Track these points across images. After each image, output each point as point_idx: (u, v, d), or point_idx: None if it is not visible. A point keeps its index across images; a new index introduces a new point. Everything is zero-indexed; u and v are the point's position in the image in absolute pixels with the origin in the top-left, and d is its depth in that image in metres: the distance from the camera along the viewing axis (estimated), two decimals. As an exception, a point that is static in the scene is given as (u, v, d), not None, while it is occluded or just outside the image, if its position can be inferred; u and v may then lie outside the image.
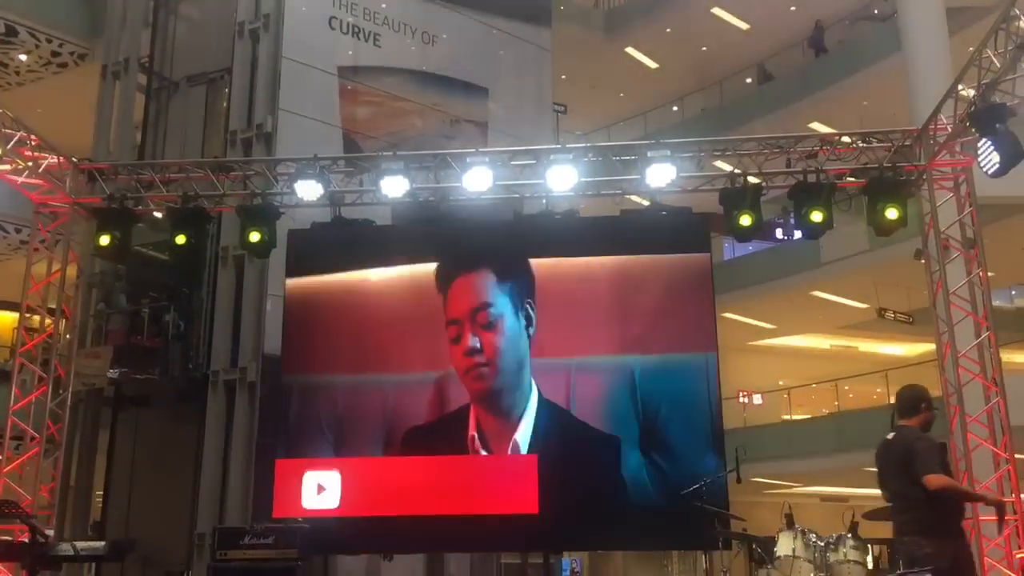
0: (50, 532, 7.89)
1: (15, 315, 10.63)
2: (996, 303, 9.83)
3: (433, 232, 9.73)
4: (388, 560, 9.70)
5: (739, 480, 8.42)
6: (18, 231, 18.77)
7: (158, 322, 12.36)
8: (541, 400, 9.19)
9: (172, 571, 11.99)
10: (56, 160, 9.30)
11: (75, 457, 11.80)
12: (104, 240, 9.23)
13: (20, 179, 9.25)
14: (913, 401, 6.18)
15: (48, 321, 9.68)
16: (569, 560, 16.22)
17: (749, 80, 22.40)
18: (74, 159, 9.67)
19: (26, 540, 7.35)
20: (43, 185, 9.42)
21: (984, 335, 8.83)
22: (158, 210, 9.71)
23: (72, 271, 10.11)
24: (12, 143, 8.80)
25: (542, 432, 9.14)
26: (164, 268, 12.66)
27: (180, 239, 9.16)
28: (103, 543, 7.33)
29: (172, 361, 11.79)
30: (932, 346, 10.10)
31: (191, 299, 12.13)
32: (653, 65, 22.01)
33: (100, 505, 13.07)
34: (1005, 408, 8.50)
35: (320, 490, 9.15)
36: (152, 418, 12.08)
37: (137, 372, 11.67)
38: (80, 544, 7.22)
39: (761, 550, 8.66)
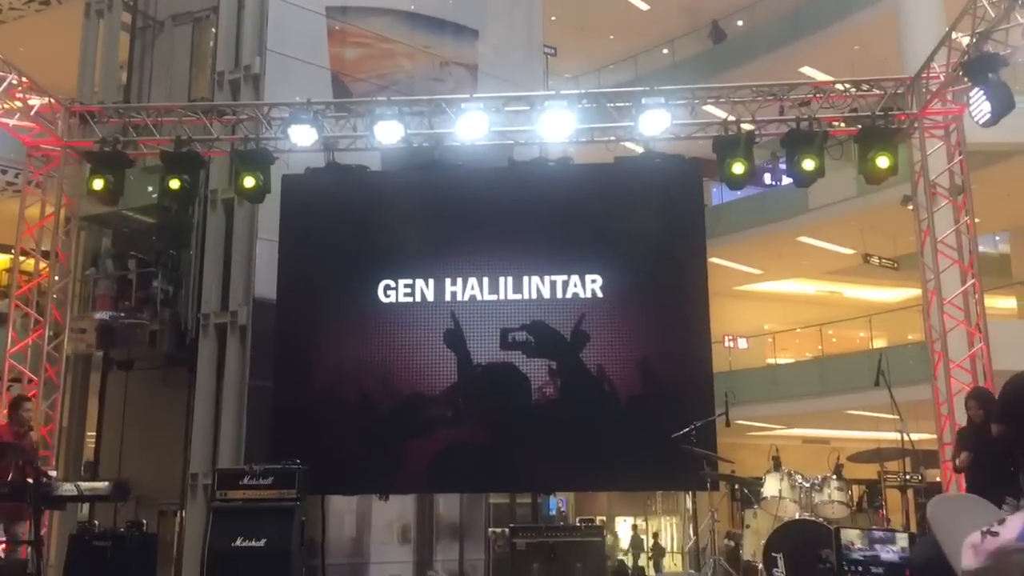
0: (53, 472, 8.01)
1: (6, 257, 10.62)
2: (980, 249, 9.98)
3: (428, 178, 9.73)
4: (384, 500, 9.89)
5: (728, 424, 8.60)
6: (3, 172, 18.62)
7: (146, 288, 12.36)
8: (535, 339, 9.31)
9: (165, 510, 12.19)
10: (48, 102, 9.24)
11: (67, 399, 11.88)
12: (97, 184, 9.21)
13: (11, 122, 9.20)
14: None
15: (43, 264, 9.69)
16: (555, 500, 16.51)
17: (741, 23, 22.25)
18: (64, 102, 9.59)
19: (29, 480, 7.45)
20: (35, 128, 9.36)
21: (969, 282, 9.00)
22: (151, 154, 9.68)
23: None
24: (3, 86, 8.73)
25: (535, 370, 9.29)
26: (151, 231, 12.65)
27: (174, 183, 9.15)
28: (107, 483, 7.44)
29: (162, 331, 11.88)
30: (916, 291, 10.30)
31: (179, 261, 12.13)
32: (644, 7, 21.80)
33: (93, 446, 13.21)
34: (988, 354, 8.69)
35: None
36: (140, 376, 12.17)
37: (124, 344, 11.72)
38: (84, 484, 7.33)
39: (747, 491, 8.91)
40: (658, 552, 20.77)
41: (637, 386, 9.22)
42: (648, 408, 9.08)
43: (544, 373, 9.29)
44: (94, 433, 12.34)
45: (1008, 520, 1.32)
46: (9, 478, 7.44)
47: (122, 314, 11.93)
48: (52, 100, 9.30)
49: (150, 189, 11.03)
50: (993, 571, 1.30)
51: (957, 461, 7.21)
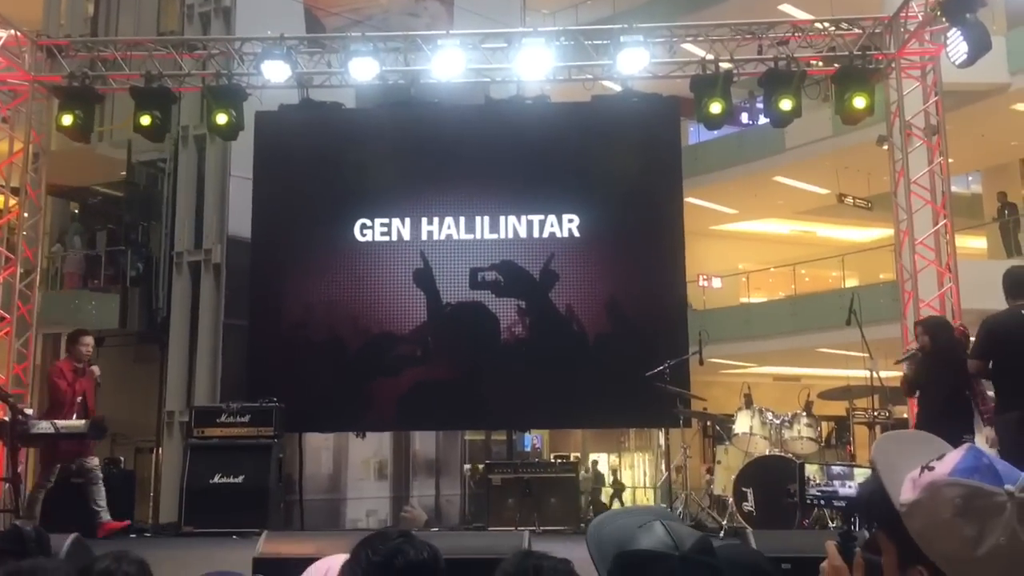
0: (29, 410, 8.00)
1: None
2: (953, 189, 10.06)
3: (404, 116, 9.63)
4: (361, 437, 9.99)
5: (701, 362, 8.72)
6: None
7: (115, 264, 12.23)
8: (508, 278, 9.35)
9: (142, 447, 12.25)
10: (14, 35, 9.02)
11: (38, 337, 11.81)
12: (67, 120, 9.04)
13: (-24, 55, 8.98)
14: None
15: (12, 202, 9.55)
16: (530, 437, 16.72)
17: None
18: (31, 35, 9.37)
19: (5, 418, 7.46)
20: (1, 62, 9.15)
21: (941, 223, 9.09)
22: (120, 89, 9.50)
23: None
24: (-34, 17, 8.51)
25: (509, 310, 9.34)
26: (120, 204, 12.47)
27: (145, 120, 8.99)
28: (84, 421, 7.45)
29: (131, 310, 11.81)
30: (889, 231, 10.39)
31: (149, 234, 12.00)
32: (621, -59, 21.45)
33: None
34: (957, 293, 8.83)
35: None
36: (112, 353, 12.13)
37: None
38: (60, 422, 7.34)
39: (719, 428, 9.07)
40: (618, 488, 21.14)
41: (610, 325, 9.29)
42: (622, 347, 9.16)
43: (514, 312, 9.34)
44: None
45: (947, 455, 1.33)
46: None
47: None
48: (18, 33, 9.07)
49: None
50: (925, 505, 1.31)
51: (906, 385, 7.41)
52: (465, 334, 9.39)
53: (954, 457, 1.32)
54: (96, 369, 7.98)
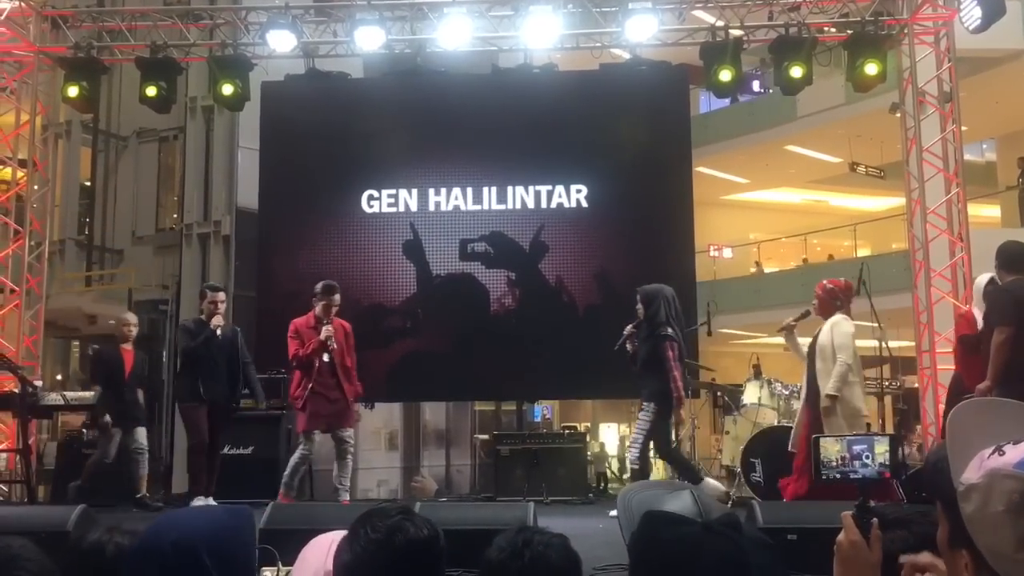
0: (39, 382, 8.04)
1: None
2: (967, 157, 9.94)
3: (410, 86, 9.56)
4: (370, 408, 10.00)
5: (709, 333, 8.69)
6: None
7: None
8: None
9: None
10: (19, 6, 8.97)
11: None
12: (72, 91, 9.01)
13: (-20, 26, 8.95)
14: None
15: (20, 174, 9.55)
16: (540, 407, 16.74)
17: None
18: (35, 5, 9.32)
19: (15, 390, 7.50)
20: (6, 33, 9.11)
21: (954, 191, 8.99)
22: (126, 60, 9.46)
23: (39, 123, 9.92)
24: (-30, -12, 8.47)
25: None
26: None
27: (151, 90, 8.96)
28: (92, 392, 7.50)
29: None
30: (901, 200, 10.28)
31: None
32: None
33: (77, 354, 13.27)
34: (969, 263, 8.74)
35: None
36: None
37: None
38: (70, 394, 7.39)
39: (728, 399, 9.06)
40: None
41: (616, 295, 9.24)
42: (630, 316, 9.10)
43: (504, 283, 9.33)
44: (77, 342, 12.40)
45: None
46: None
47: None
48: (23, 3, 9.03)
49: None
50: (981, 490, 1.23)
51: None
52: (455, 306, 9.36)
53: None
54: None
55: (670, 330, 6.98)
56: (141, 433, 7.72)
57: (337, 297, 7.26)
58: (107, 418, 7.45)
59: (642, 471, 6.94)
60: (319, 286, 7.29)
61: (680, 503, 1.56)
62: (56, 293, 10.67)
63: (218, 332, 7.26)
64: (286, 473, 7.17)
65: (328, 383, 7.13)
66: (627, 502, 1.64)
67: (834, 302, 6.72)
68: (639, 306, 7.14)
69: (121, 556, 2.26)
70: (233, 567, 1.89)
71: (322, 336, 7.06)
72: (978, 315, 6.63)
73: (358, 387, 7.40)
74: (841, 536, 1.43)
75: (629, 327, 7.18)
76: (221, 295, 7.46)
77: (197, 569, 1.81)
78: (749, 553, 1.44)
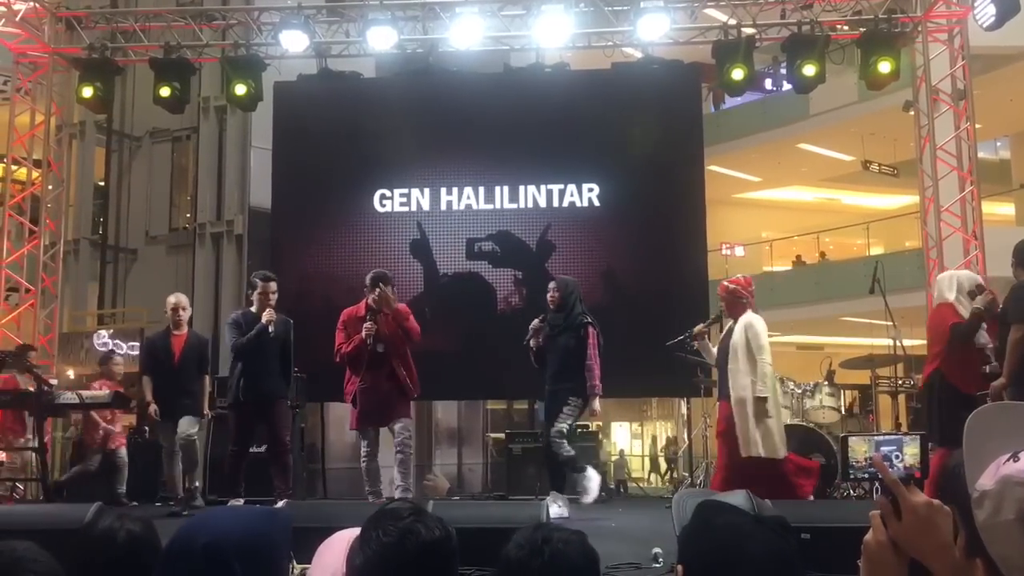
0: (54, 381, 8.10)
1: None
2: (980, 155, 9.90)
3: (422, 85, 9.58)
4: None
5: (722, 330, 8.65)
6: (-8, 79, 18.28)
7: None
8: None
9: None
10: (33, 7, 9.04)
11: (66, 308, 11.95)
12: (87, 92, 9.08)
13: (-3, 27, 9.03)
14: None
15: (36, 174, 9.62)
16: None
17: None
18: (50, 7, 9.38)
19: (31, 389, 7.55)
20: (21, 34, 9.18)
21: (968, 189, 8.96)
22: (140, 61, 9.51)
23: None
24: (-15, -11, 8.53)
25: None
26: None
27: (165, 91, 9.01)
28: (107, 391, 7.54)
29: None
30: (915, 198, 10.24)
31: None
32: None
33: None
34: (983, 261, 8.71)
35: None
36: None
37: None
38: (85, 393, 7.42)
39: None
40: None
41: (630, 294, 9.24)
42: (642, 315, 9.11)
43: (511, 282, 9.33)
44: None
45: None
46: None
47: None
48: (37, 5, 9.10)
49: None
50: (993, 497, 1.19)
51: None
52: (462, 305, 9.36)
53: None
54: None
55: (590, 318, 6.82)
56: (186, 422, 7.07)
57: (381, 289, 6.69)
58: (152, 409, 7.05)
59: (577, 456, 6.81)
60: (367, 277, 6.85)
61: (735, 499, 1.59)
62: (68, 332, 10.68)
63: (271, 328, 6.77)
64: (365, 483, 6.85)
65: (379, 375, 6.70)
66: (682, 502, 1.67)
67: (740, 300, 6.69)
68: (553, 294, 6.90)
69: (133, 542, 2.29)
70: (263, 571, 1.89)
71: (363, 334, 6.62)
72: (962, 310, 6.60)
73: (412, 372, 6.88)
74: (868, 536, 1.39)
75: (536, 321, 7.00)
76: (272, 284, 6.95)
77: (226, 574, 1.82)
78: (796, 555, 1.45)
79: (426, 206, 9.46)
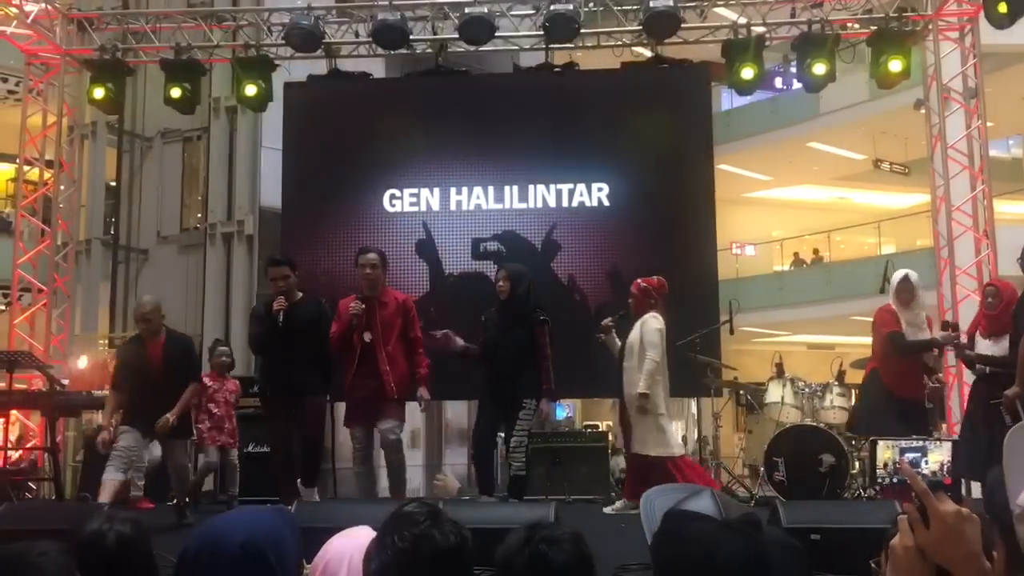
0: (66, 381, 8.14)
1: (10, 167, 10.60)
2: (992, 153, 9.87)
3: (432, 85, 9.59)
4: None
5: (731, 331, 8.66)
6: (3, 80, 18.37)
7: None
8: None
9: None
10: (44, 9, 9.09)
11: (78, 307, 12.01)
12: (98, 93, 9.11)
13: (8, 29, 9.07)
14: None
15: (48, 175, 9.67)
16: (563, 406, 16.74)
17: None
18: (61, 8, 9.43)
19: (43, 388, 7.59)
20: (32, 36, 9.23)
21: (979, 188, 8.92)
22: (151, 61, 9.55)
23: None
24: (-2, -9, 8.59)
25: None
26: None
27: (175, 92, 9.04)
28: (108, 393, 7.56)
29: None
30: (926, 197, 10.21)
31: None
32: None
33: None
34: (995, 260, 8.67)
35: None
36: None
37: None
38: (96, 392, 7.46)
39: (750, 398, 9.02)
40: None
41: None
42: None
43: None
44: (104, 341, 12.50)
45: None
46: None
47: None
48: (49, 7, 9.14)
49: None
50: None
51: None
52: (468, 305, 9.33)
53: None
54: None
55: (544, 315, 6.60)
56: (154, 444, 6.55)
57: (371, 256, 6.40)
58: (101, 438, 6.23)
59: (527, 477, 6.56)
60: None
61: (701, 504, 1.57)
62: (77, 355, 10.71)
63: (280, 319, 6.19)
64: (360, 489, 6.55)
65: (367, 370, 6.25)
66: (649, 504, 1.65)
67: (648, 300, 6.73)
68: (503, 284, 6.56)
69: (122, 544, 2.31)
70: (288, 566, 1.97)
71: (352, 310, 6.16)
72: (900, 312, 6.68)
73: (404, 368, 6.43)
74: (895, 541, 1.37)
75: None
76: (280, 269, 6.31)
77: (266, 569, 1.90)
78: (769, 552, 1.45)
79: (436, 206, 9.46)
